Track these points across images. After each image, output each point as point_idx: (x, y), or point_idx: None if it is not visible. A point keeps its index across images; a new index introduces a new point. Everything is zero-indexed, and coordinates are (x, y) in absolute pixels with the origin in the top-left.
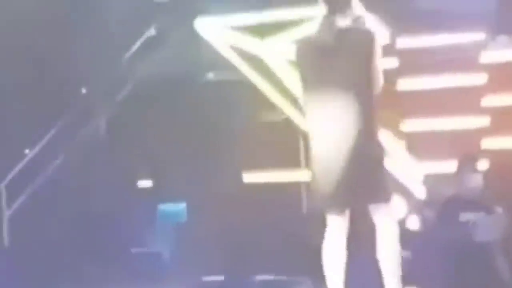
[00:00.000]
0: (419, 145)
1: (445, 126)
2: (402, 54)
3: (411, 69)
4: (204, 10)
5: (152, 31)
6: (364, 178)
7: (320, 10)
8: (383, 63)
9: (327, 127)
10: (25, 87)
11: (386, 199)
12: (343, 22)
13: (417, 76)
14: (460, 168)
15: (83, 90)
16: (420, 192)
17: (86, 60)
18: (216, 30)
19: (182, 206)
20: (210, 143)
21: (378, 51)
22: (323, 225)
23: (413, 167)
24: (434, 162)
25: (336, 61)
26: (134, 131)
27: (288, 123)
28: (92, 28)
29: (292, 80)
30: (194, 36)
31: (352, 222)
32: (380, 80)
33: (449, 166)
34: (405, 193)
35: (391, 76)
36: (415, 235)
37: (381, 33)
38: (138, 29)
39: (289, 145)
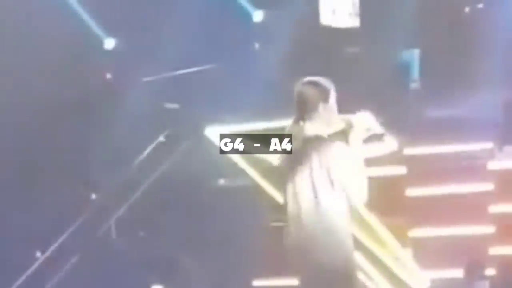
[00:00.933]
0: (426, 252)
1: (452, 233)
2: (411, 162)
3: (419, 177)
4: (213, 117)
5: (161, 138)
6: None
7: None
8: (375, 171)
9: (304, 238)
10: (37, 192)
11: None
12: (311, 128)
13: (425, 184)
14: (467, 274)
15: (93, 196)
16: None
17: (97, 165)
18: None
19: None
20: (220, 247)
21: (346, 160)
22: None
23: (419, 274)
24: (442, 269)
25: (304, 167)
26: (145, 236)
27: None
28: (103, 134)
29: None
30: (204, 142)
31: None
32: (362, 187)
33: (456, 272)
34: None
35: (399, 183)
36: None
37: (390, 141)
38: (149, 134)
39: None
